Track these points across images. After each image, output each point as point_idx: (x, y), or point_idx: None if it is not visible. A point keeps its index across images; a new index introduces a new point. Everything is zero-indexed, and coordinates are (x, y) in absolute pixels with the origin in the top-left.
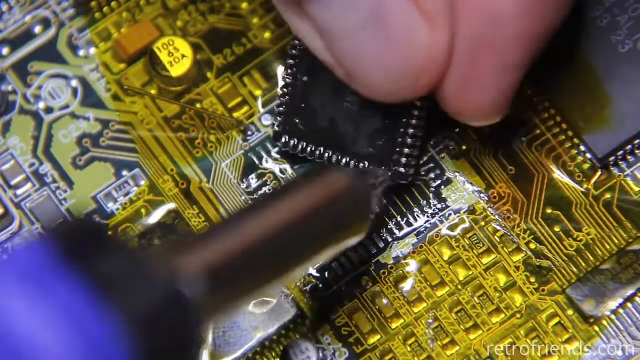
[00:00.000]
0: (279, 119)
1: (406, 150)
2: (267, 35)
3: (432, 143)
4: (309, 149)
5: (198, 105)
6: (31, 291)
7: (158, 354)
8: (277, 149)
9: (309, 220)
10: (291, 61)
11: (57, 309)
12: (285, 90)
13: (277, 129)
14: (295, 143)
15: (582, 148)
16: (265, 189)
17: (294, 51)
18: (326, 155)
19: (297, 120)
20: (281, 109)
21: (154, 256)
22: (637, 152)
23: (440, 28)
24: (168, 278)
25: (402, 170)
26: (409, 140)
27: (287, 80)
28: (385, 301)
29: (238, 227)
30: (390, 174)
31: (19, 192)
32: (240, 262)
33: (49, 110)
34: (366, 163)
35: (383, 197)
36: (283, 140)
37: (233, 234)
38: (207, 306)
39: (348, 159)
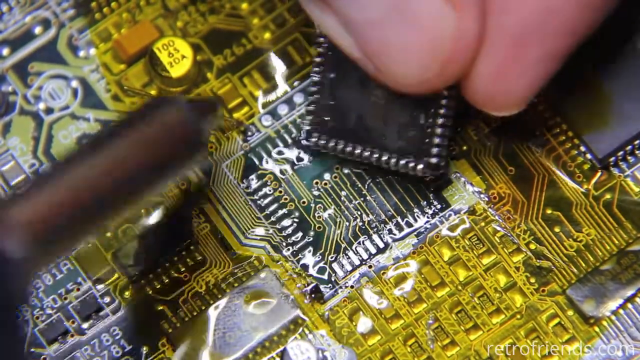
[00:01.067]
0: (308, 118)
1: (436, 141)
2: (267, 35)
3: None
4: (339, 146)
5: None
6: None
7: None
8: (277, 150)
9: (143, 155)
10: (318, 59)
11: None
12: (314, 88)
13: (307, 127)
14: (326, 141)
15: (582, 148)
16: (265, 190)
17: (319, 49)
18: (357, 151)
19: (327, 118)
20: (311, 107)
21: None
22: (637, 152)
23: (468, 15)
24: None
25: (434, 160)
26: (438, 130)
27: (315, 78)
28: (385, 302)
29: (65, 174)
30: (422, 166)
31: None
32: (64, 210)
33: (49, 110)
34: (397, 156)
35: (212, 125)
36: (314, 139)
37: (59, 182)
38: (31, 260)
39: (379, 153)
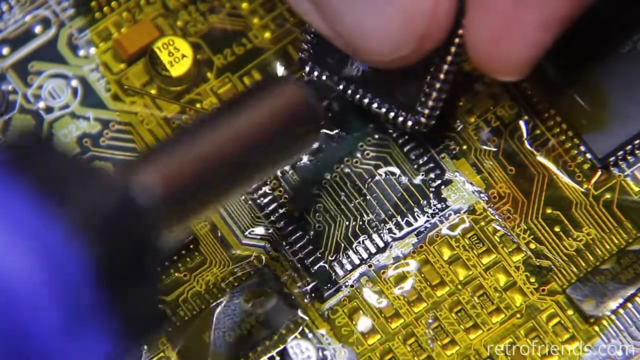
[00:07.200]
0: (305, 46)
1: (430, 103)
2: (267, 35)
3: (432, 143)
4: (332, 81)
5: (198, 105)
6: None
7: (113, 259)
8: None
9: (263, 130)
10: None
11: (9, 220)
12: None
13: (301, 55)
14: (319, 73)
15: (582, 148)
16: (264, 189)
17: None
18: (349, 91)
19: (324, 54)
20: (309, 37)
21: (107, 168)
22: (637, 152)
23: None
24: (121, 186)
25: (424, 119)
26: (435, 94)
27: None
28: (385, 301)
29: (193, 138)
30: (410, 123)
31: None
32: (195, 172)
33: (49, 109)
34: (388, 106)
35: (329, 107)
36: (307, 68)
37: (187, 145)
38: (161, 215)
39: (370, 98)
